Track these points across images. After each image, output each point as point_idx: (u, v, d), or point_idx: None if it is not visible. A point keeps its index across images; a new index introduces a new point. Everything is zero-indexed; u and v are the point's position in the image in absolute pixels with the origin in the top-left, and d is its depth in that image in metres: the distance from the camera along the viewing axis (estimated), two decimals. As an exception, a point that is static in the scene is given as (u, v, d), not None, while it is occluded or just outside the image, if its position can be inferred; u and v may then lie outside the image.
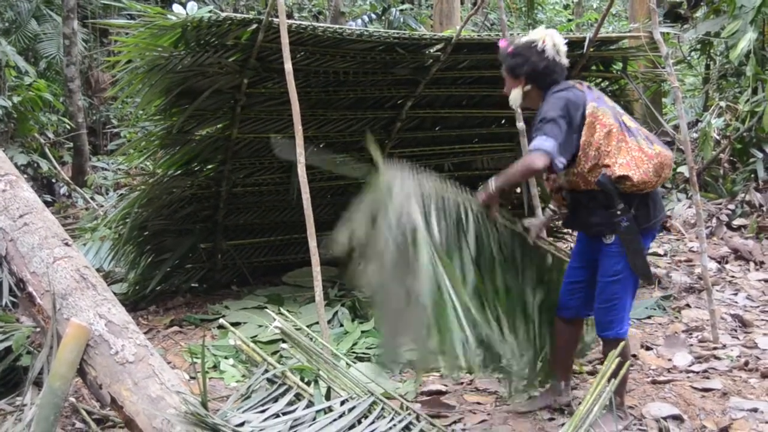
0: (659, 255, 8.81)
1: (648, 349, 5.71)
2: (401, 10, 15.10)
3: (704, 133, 10.76)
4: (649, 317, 6.54)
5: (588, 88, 4.29)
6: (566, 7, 25.58)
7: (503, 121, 7.72)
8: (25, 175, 10.91)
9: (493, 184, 4.28)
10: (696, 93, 13.36)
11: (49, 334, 3.69)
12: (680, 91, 6.15)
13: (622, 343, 4.06)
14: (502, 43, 4.41)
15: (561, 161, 4.03)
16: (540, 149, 3.98)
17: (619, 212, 4.13)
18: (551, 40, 4.24)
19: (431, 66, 6.84)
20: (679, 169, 11.44)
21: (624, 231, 4.16)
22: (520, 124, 5.70)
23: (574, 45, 6.89)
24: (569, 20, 22.82)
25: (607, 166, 4.09)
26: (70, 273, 3.76)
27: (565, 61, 4.30)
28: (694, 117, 12.22)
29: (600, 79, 7.59)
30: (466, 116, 7.57)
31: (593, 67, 7.36)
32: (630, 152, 4.08)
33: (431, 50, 6.75)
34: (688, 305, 6.75)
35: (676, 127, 11.76)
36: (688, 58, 13.36)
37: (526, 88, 4.32)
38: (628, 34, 7.09)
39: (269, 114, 6.76)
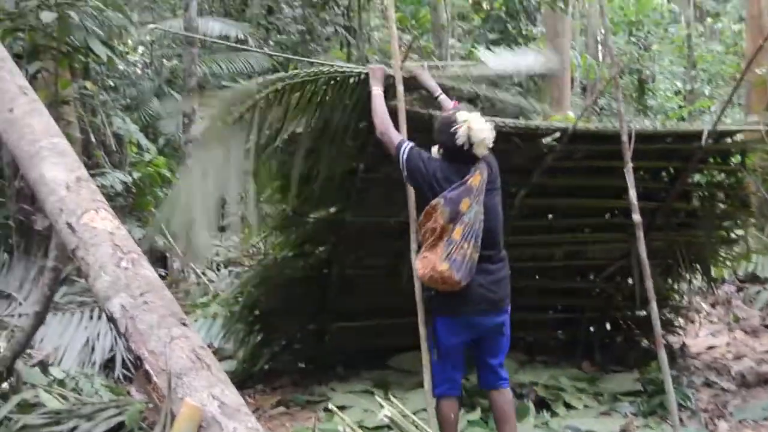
0: (776, 350, 8.53)
1: (767, 452, 5.49)
2: (512, 95, 15.09)
3: (822, 226, 10.49)
4: (765, 419, 6.29)
5: (463, 184, 4.80)
6: (677, 93, 25.36)
7: (616, 212, 7.62)
8: (141, 248, 11.14)
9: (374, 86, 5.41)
10: (815, 185, 13.00)
11: (163, 412, 3.74)
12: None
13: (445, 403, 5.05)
14: (452, 104, 5.30)
15: (404, 160, 4.96)
16: (402, 142, 5.04)
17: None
18: (467, 130, 4.75)
19: (546, 155, 6.80)
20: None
21: (425, 300, 5.08)
22: (636, 217, 5.61)
23: (692, 137, 6.81)
24: (680, 107, 22.59)
25: (420, 247, 4.98)
26: (187, 353, 3.81)
27: (478, 151, 4.82)
28: (813, 210, 11.87)
29: (717, 172, 7.46)
30: (579, 206, 7.49)
31: (710, 160, 7.25)
32: (432, 252, 4.78)
33: (547, 140, 6.73)
34: (809, 405, 6.48)
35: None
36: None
37: (440, 151, 4.98)
38: (748, 128, 6.96)
39: (384, 199, 6.80)
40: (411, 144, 5.02)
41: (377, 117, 5.23)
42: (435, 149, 5.01)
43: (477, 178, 4.83)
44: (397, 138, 5.08)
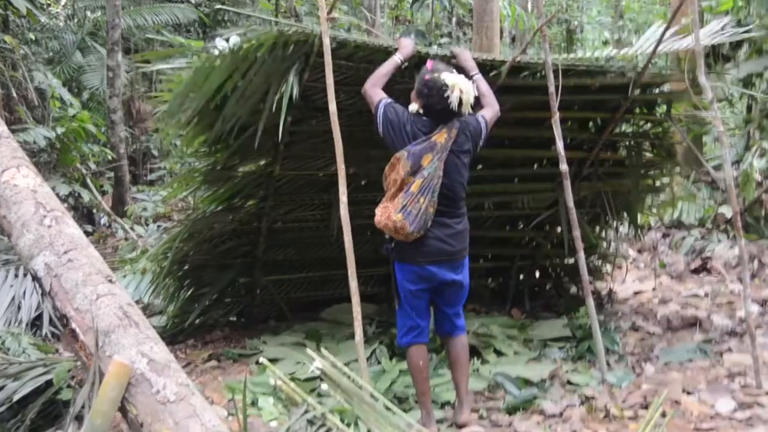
0: (699, 297, 8.70)
1: (689, 394, 5.60)
2: (440, 45, 15.04)
3: (746, 174, 10.67)
4: (690, 360, 6.42)
5: (428, 140, 5.02)
6: (605, 43, 25.52)
7: (544, 162, 7.68)
8: (66, 205, 11.01)
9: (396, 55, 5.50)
10: (736, 132, 13.20)
11: (91, 371, 3.71)
12: (725, 136, 6.09)
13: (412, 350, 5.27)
14: (428, 65, 5.15)
15: (380, 114, 5.13)
16: (381, 100, 5.18)
17: (386, 236, 5.15)
18: (458, 93, 4.96)
19: (474, 106, 6.78)
20: (719, 210, 11.34)
21: (386, 253, 5.24)
22: (564, 167, 5.67)
23: (618, 87, 6.86)
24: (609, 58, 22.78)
25: (384, 197, 5.12)
26: (114, 310, 3.78)
27: (463, 110, 5.04)
28: (736, 157, 12.07)
29: (643, 122, 7.54)
30: (508, 156, 7.53)
31: (636, 110, 7.31)
32: (391, 203, 5.02)
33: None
34: (730, 349, 6.61)
35: (716, 167, 11.66)
36: (729, 96, 13.27)
37: (419, 110, 5.10)
38: (673, 78, 7.02)
39: (312, 152, 6.77)
40: (389, 100, 5.17)
41: (373, 75, 5.36)
42: (413, 106, 5.14)
43: (442, 136, 5.03)
44: (378, 97, 5.22)
